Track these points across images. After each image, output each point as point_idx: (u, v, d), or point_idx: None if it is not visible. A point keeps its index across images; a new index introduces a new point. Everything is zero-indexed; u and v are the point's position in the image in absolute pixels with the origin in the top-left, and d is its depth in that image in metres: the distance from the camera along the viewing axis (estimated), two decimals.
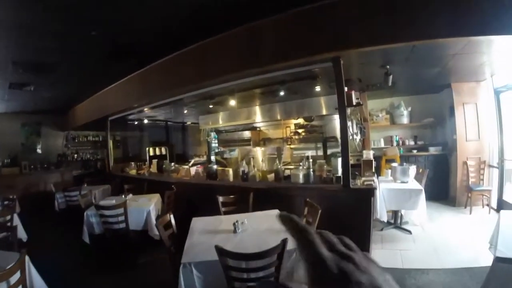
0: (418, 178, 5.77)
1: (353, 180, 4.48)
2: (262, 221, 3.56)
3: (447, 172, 7.60)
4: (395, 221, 5.68)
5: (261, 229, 3.32)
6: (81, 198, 5.78)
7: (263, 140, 9.54)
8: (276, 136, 9.26)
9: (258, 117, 8.90)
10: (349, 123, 5.07)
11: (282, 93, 6.32)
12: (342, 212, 4.28)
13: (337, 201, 4.31)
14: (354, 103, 4.47)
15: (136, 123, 11.59)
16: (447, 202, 7.24)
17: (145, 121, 11.17)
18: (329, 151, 7.95)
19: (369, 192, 4.12)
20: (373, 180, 4.36)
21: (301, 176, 4.71)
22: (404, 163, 5.97)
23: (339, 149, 6.51)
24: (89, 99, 8.92)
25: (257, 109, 8.81)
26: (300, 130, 8.74)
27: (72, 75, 6.75)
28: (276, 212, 3.81)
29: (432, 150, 7.79)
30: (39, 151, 10.90)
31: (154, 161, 8.13)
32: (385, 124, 8.38)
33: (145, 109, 8.14)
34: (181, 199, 5.98)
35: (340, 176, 4.37)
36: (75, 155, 11.74)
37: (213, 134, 9.97)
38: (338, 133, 5.76)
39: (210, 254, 2.53)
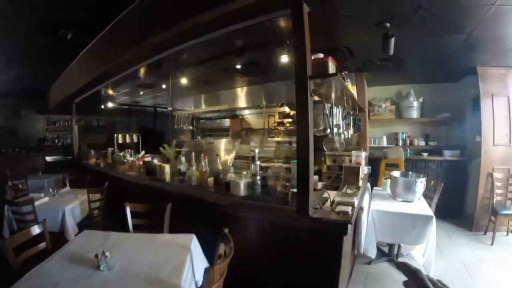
0: (427, 194, 3.78)
1: (322, 197, 2.65)
2: (155, 252, 2.30)
3: (465, 184, 5.47)
4: (390, 252, 3.76)
5: (136, 269, 2.06)
6: (9, 189, 5.05)
7: (245, 131, 7.64)
8: (260, 127, 7.34)
9: (240, 102, 6.98)
10: (326, 109, 3.23)
11: (238, 67, 4.47)
12: (294, 255, 2.50)
13: (287, 235, 2.49)
14: (329, 72, 2.54)
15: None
16: (461, 223, 5.14)
17: (110, 105, 9.51)
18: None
19: (339, 229, 2.20)
20: (353, 204, 2.48)
21: (242, 186, 2.85)
22: (410, 172, 3.96)
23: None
24: (58, 80, 7.35)
25: (238, 92, 6.92)
26: (285, 120, 6.72)
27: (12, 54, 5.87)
28: (187, 239, 2.46)
29: (448, 155, 5.61)
30: (18, 134, 9.75)
31: (110, 149, 6.46)
32: (389, 117, 6.21)
33: (109, 90, 6.55)
34: (115, 199, 4.34)
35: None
36: (56, 140, 10.36)
37: (188, 121, 8.10)
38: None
39: None
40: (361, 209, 2.86)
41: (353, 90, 4.30)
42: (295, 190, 2.42)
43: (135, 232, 3.09)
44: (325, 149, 3.98)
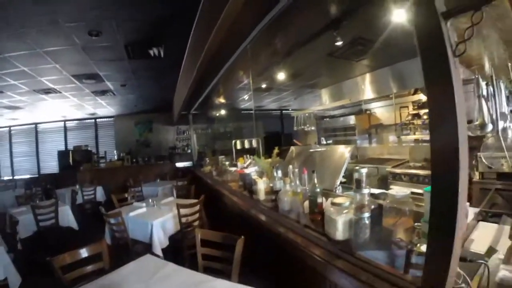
0: None
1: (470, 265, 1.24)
2: None
3: None
4: None
5: None
6: (114, 197, 4.99)
7: (374, 128, 6.26)
8: (392, 122, 5.86)
9: (364, 93, 5.80)
10: (482, 88, 1.87)
11: (339, 44, 3.42)
12: None
13: None
14: None
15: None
16: None
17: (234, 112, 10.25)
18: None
19: None
20: None
21: (339, 225, 1.73)
22: None
23: None
24: (175, 94, 7.86)
25: (360, 81, 5.77)
26: (422, 111, 5.11)
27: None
28: None
29: None
30: (151, 145, 11.38)
31: (221, 157, 6.08)
32: None
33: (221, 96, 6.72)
34: (213, 214, 4.37)
35: None
36: (185, 148, 11.35)
37: (310, 122, 7.16)
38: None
39: None
40: None
41: None
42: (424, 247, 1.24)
43: (205, 262, 2.54)
44: (484, 160, 2.39)
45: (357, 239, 1.66)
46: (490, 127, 2.01)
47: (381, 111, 6.17)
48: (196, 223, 3.97)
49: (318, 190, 2.17)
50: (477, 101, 2.02)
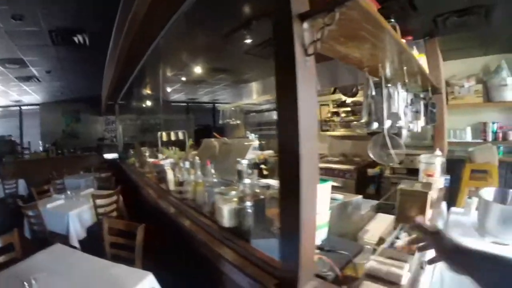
0: None
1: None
2: None
3: None
4: None
5: None
6: (34, 190, 4.84)
7: None
8: None
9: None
10: (371, 89, 2.17)
11: (249, 41, 3.76)
12: None
13: None
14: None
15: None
16: None
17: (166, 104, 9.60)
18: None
19: None
20: (398, 281, 1.21)
21: (225, 212, 1.85)
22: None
23: None
24: (103, 84, 7.53)
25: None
26: (341, 110, 5.52)
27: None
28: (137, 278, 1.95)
29: None
30: (79, 136, 10.88)
31: (143, 148, 6.17)
32: (474, 101, 4.51)
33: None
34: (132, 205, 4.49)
35: None
36: (114, 139, 10.87)
37: (236, 115, 7.51)
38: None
39: None
40: (421, 268, 1.46)
41: (421, 61, 2.94)
42: None
43: (114, 250, 2.75)
44: (371, 155, 2.68)
45: (242, 227, 1.79)
46: (375, 125, 2.18)
47: None
48: (113, 214, 4.03)
49: (215, 180, 2.43)
50: (366, 101, 2.27)
